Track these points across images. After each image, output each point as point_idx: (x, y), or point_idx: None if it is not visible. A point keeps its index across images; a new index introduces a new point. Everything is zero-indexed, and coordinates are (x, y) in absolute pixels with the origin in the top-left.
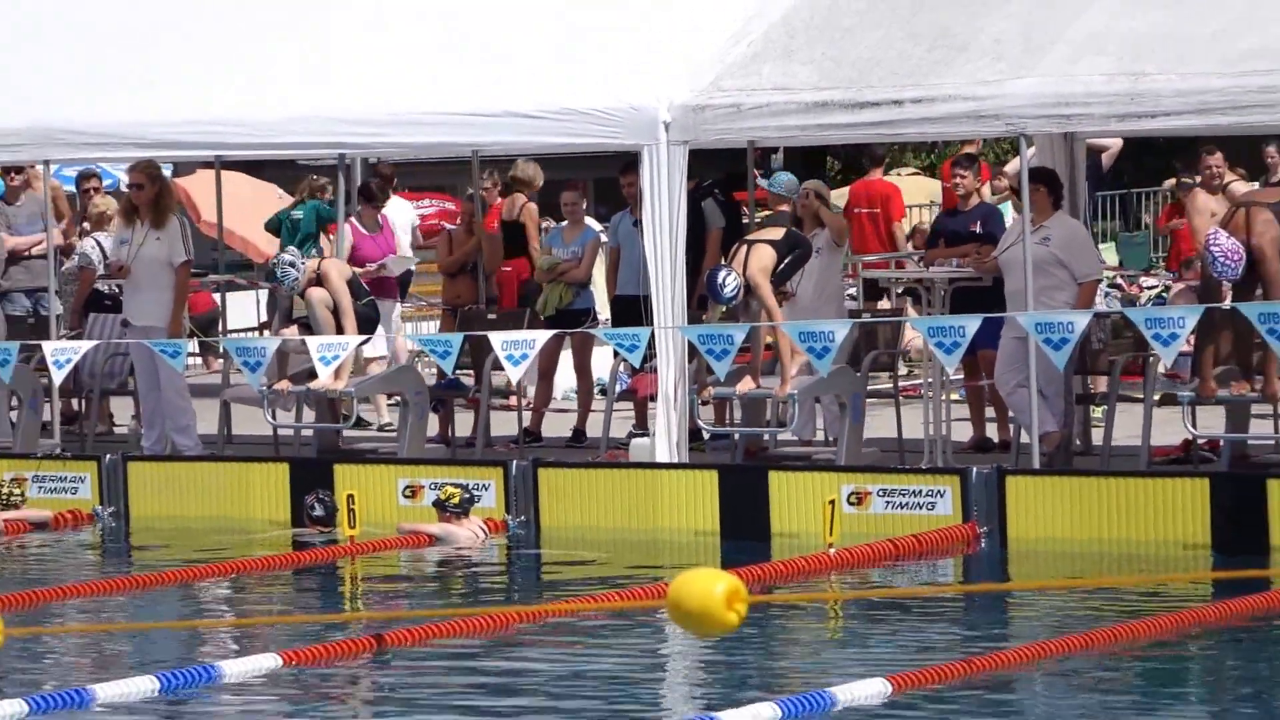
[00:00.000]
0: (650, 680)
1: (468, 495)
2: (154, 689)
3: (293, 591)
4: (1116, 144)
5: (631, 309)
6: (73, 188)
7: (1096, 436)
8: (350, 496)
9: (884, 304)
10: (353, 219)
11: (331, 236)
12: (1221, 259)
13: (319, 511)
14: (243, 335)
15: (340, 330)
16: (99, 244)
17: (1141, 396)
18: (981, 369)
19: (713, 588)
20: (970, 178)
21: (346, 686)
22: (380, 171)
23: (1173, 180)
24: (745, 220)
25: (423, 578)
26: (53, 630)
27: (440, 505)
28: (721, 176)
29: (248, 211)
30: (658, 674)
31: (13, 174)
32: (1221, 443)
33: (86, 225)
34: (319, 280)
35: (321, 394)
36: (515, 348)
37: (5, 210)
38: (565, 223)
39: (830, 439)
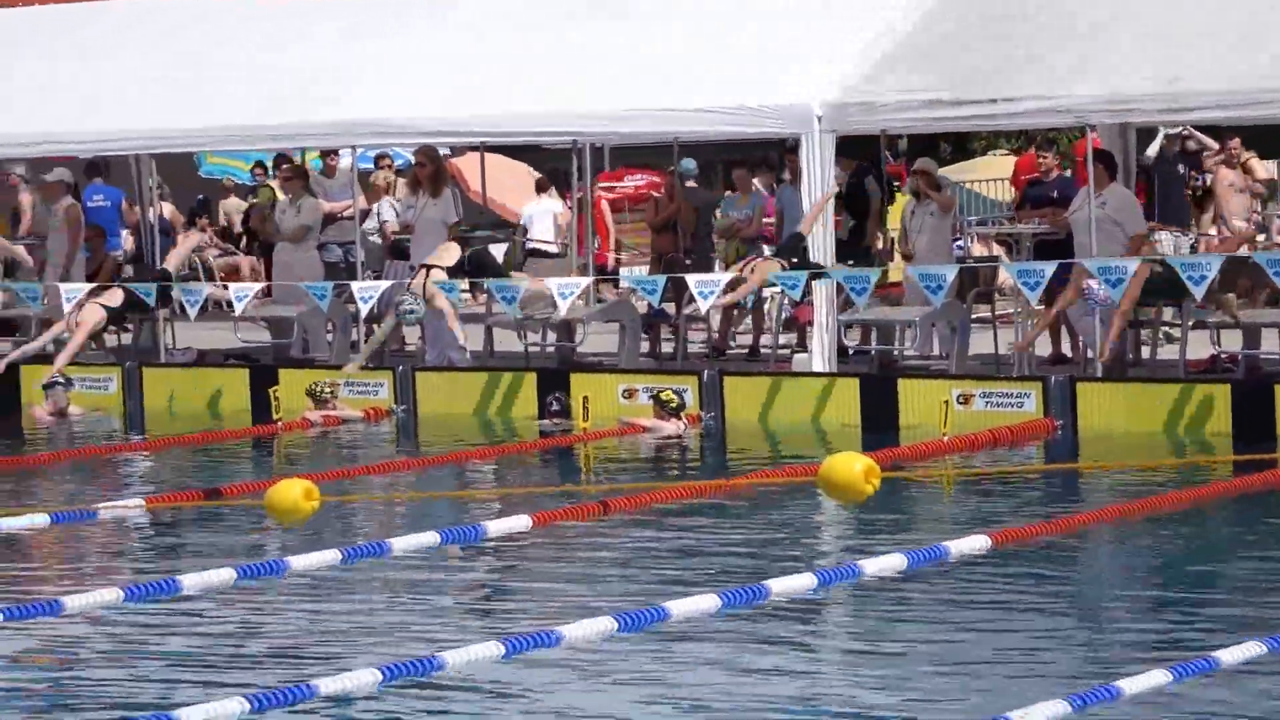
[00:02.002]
0: (804, 537)
1: (680, 401)
2: (436, 541)
3: (539, 469)
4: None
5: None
6: (371, 164)
7: (1145, 353)
8: (585, 398)
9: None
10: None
11: None
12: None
13: (556, 408)
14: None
15: None
16: (393, 207)
17: (1180, 322)
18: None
19: (854, 465)
20: (1050, 159)
21: (578, 540)
22: None
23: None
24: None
25: (637, 458)
26: (360, 498)
27: (660, 403)
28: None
29: (504, 184)
30: (809, 532)
31: (332, 155)
32: (1240, 356)
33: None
34: None
35: (561, 320)
36: (705, 285)
37: (324, 182)
38: (738, 191)
39: (944, 354)
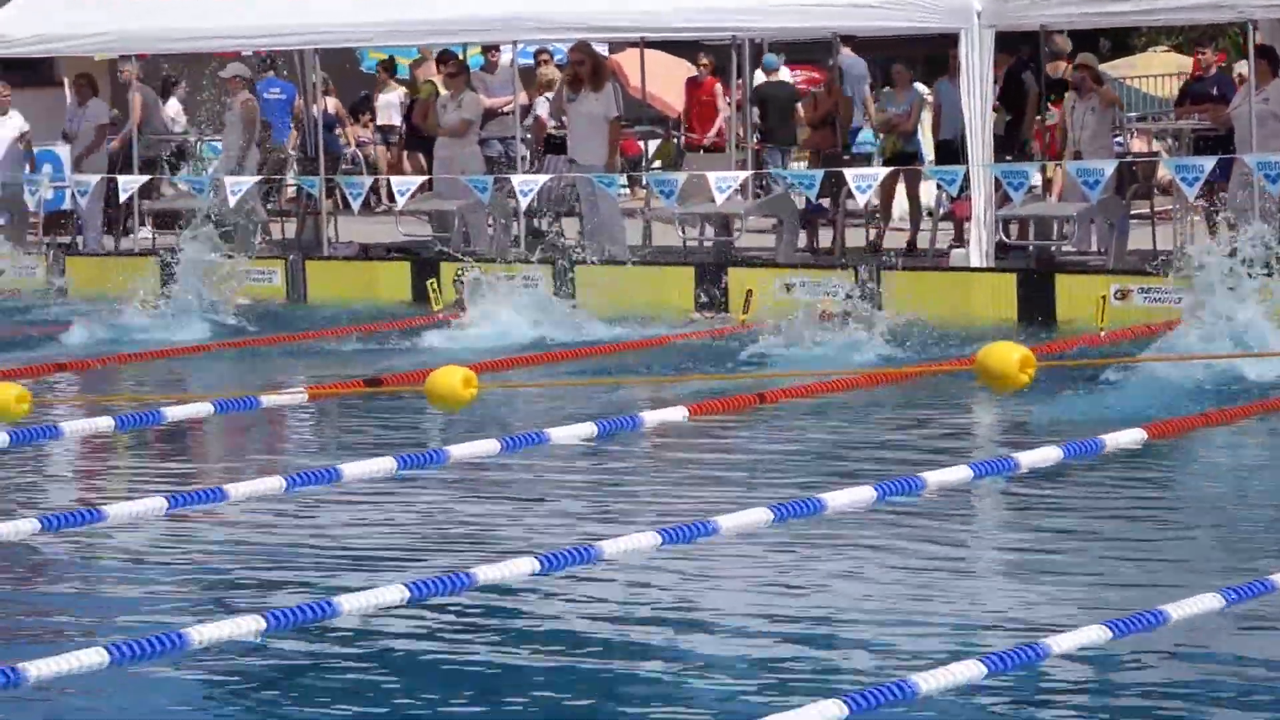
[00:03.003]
0: (960, 429)
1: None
2: (593, 433)
3: (697, 361)
4: None
5: (950, 151)
6: (531, 60)
7: None
8: (749, 291)
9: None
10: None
11: None
12: None
13: (706, 300)
14: (659, 171)
15: None
16: (548, 102)
17: None
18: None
19: (1010, 356)
20: (1209, 54)
21: (734, 432)
22: None
23: None
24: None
25: (795, 350)
26: (519, 385)
27: None
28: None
29: (662, 80)
30: (965, 425)
31: (493, 50)
32: None
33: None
34: None
35: (719, 213)
36: (862, 179)
37: (485, 78)
38: (896, 87)
39: (1102, 250)
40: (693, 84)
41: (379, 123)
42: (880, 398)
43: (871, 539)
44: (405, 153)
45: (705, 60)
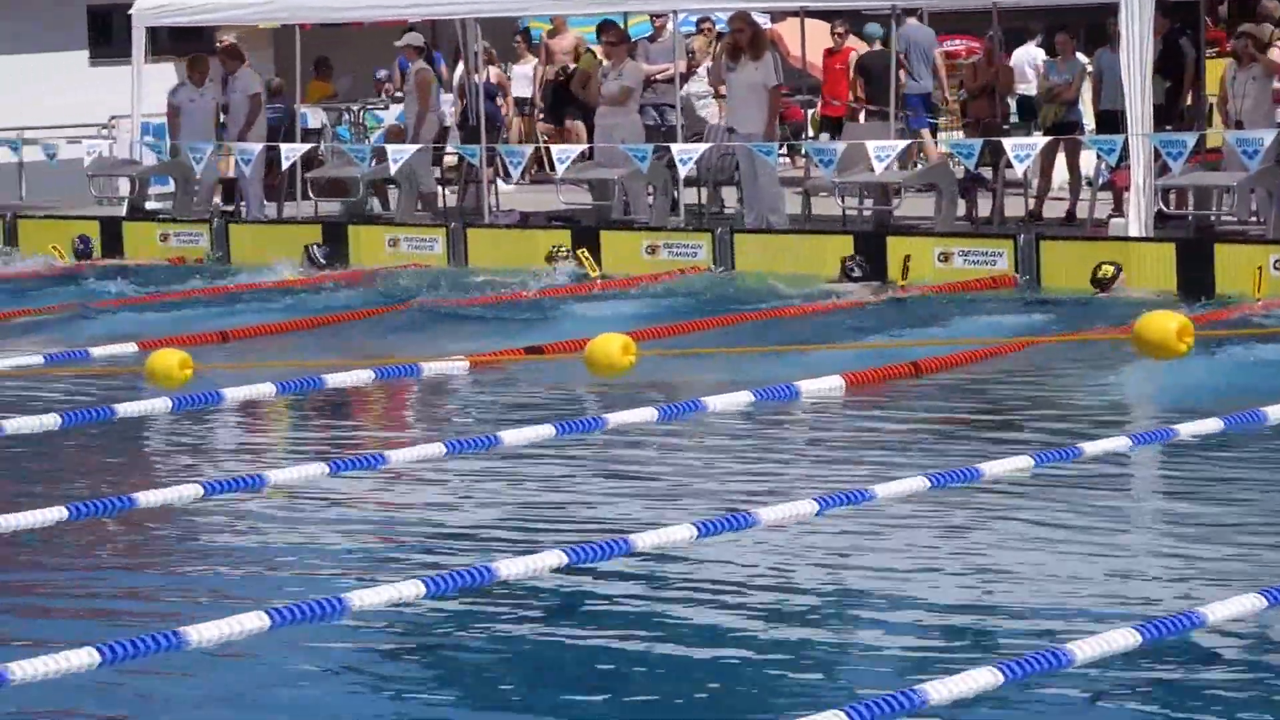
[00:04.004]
0: (1117, 397)
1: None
2: (750, 401)
3: (854, 330)
4: None
5: (1111, 120)
6: (693, 28)
7: None
8: (907, 257)
9: None
10: None
11: None
12: None
13: (858, 274)
14: (816, 140)
15: None
16: (707, 72)
17: None
18: None
19: (1169, 324)
20: None
21: (890, 401)
22: None
23: None
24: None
25: (951, 319)
26: (678, 352)
27: None
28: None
29: (821, 49)
30: (1122, 393)
31: (659, 17)
32: None
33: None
34: None
35: (876, 183)
36: (1021, 149)
37: (649, 47)
38: (1058, 56)
39: (1260, 220)
40: (829, 54)
41: (514, 94)
42: (1037, 366)
43: (1028, 507)
44: (540, 123)
45: (840, 29)
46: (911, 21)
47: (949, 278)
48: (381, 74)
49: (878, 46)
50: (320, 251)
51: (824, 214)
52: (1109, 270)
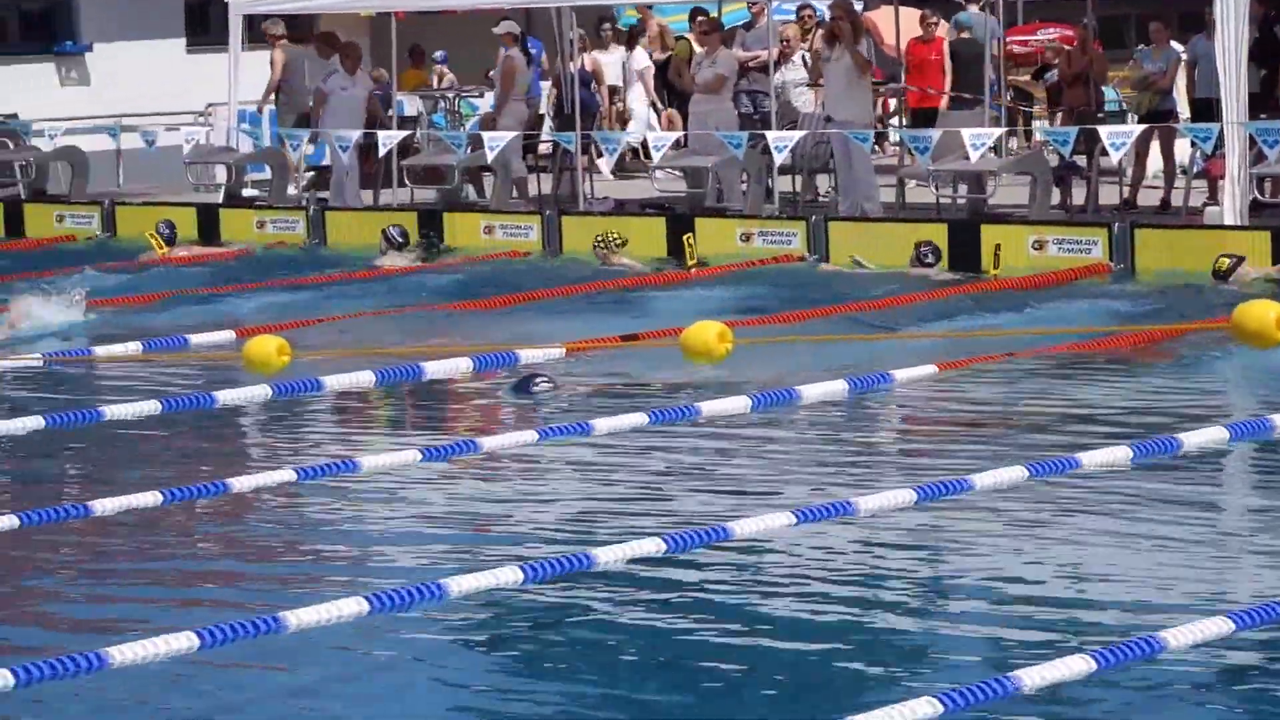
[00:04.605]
0: (1216, 389)
1: None
2: (845, 389)
3: (946, 317)
4: None
5: (1206, 108)
6: (792, 15)
7: None
8: (998, 246)
9: None
10: None
11: None
12: None
13: (930, 259)
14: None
15: None
16: (804, 58)
17: None
18: None
19: (1268, 314)
20: None
21: (983, 389)
22: None
23: None
24: None
25: (1045, 307)
26: (772, 340)
27: None
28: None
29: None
30: (1222, 375)
31: (756, 4)
32: None
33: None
34: None
35: (971, 171)
36: (1117, 137)
37: (745, 36)
38: (1153, 44)
39: None
40: (918, 42)
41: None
42: (1134, 356)
43: (1124, 498)
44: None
45: (933, 18)
46: (973, 9)
47: (1043, 266)
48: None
49: (966, 35)
50: (396, 232)
51: (917, 202)
52: (1225, 263)
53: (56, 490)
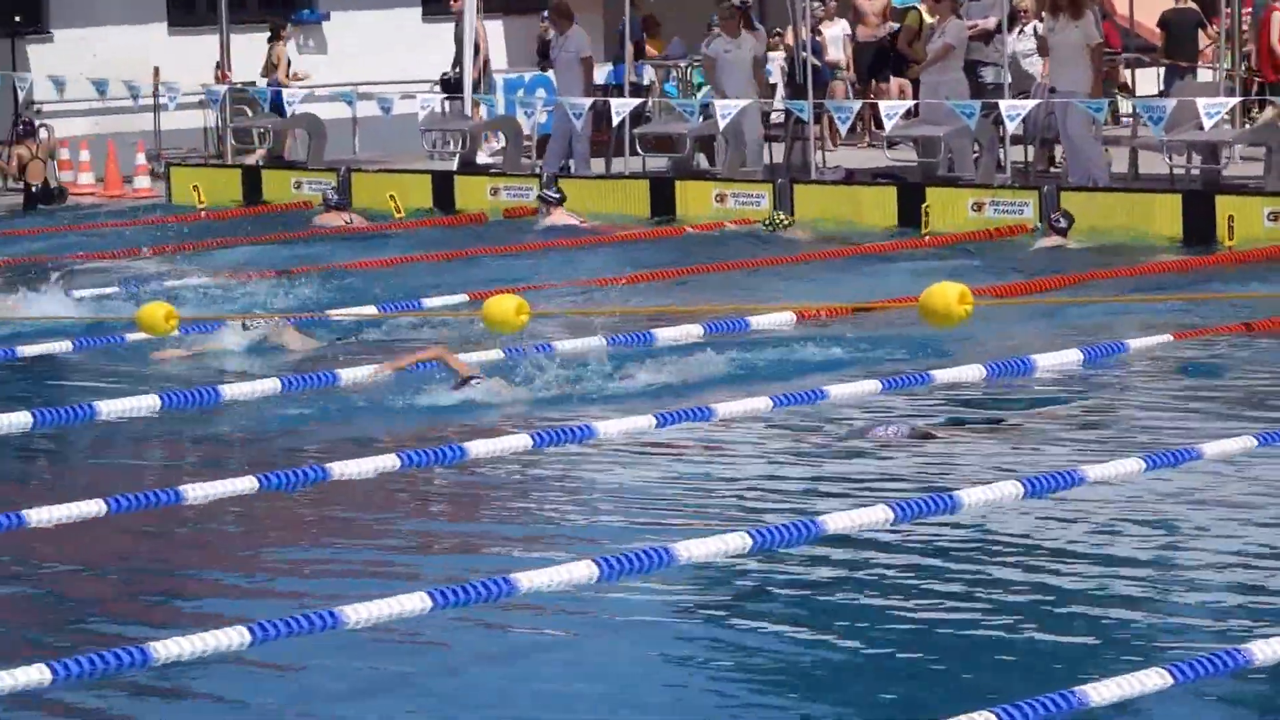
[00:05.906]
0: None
1: None
2: (1079, 359)
3: (1179, 286)
4: None
5: None
6: None
7: None
8: (1230, 216)
9: None
10: None
11: None
12: None
13: (1062, 223)
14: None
15: None
16: (1035, 30)
17: None
18: None
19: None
20: None
21: (1224, 357)
22: None
23: None
24: None
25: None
26: (1010, 300)
27: None
28: None
29: (1148, 7)
30: None
31: None
32: None
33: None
34: None
35: (1205, 142)
36: None
37: (970, 5)
38: None
39: None
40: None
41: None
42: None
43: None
44: (873, 82)
45: None
46: None
47: (1278, 237)
48: None
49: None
50: (330, 191)
51: (1150, 172)
52: None
53: (293, 456)
